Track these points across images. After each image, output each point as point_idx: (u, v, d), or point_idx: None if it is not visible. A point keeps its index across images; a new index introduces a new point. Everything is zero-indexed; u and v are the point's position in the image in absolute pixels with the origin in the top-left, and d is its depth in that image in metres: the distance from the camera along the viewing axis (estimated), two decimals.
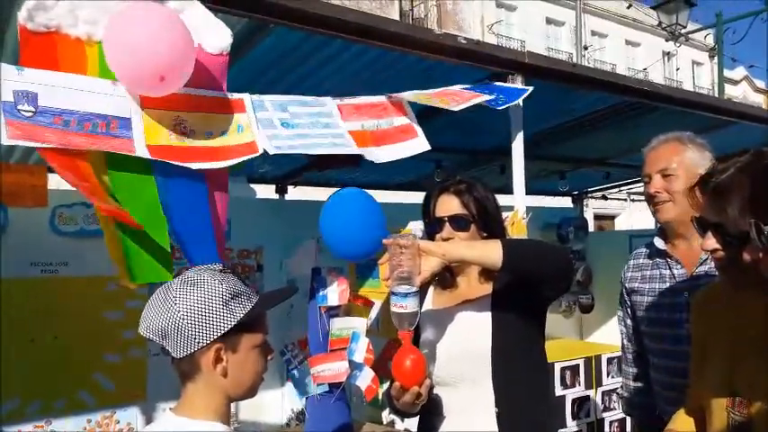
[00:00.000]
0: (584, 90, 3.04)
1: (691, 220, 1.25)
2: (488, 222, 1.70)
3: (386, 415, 3.59)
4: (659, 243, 2.01)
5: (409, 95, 2.28)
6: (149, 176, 1.78)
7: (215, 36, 1.86)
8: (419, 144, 2.22)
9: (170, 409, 1.26)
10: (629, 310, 2.12)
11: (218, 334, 1.20)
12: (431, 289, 1.82)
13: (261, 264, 4.16)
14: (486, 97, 2.39)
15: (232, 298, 1.22)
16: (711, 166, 1.24)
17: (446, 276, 1.76)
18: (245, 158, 1.91)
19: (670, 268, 1.96)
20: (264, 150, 1.91)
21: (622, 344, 2.19)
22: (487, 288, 1.69)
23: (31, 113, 1.61)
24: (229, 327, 1.20)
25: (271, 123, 1.99)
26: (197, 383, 1.23)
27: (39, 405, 3.20)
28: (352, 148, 2.05)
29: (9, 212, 3.15)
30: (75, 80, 1.70)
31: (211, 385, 1.22)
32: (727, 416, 1.26)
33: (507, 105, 2.46)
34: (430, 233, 1.75)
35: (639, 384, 2.13)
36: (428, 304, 1.79)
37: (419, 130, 2.24)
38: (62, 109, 1.65)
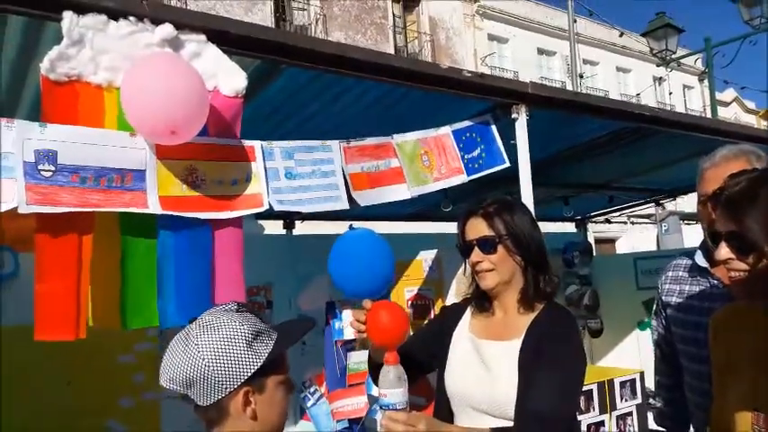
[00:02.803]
0: (586, 117, 3.09)
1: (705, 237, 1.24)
2: (521, 244, 1.63)
3: None
4: (701, 261, 1.90)
5: (410, 141, 2.44)
6: (152, 227, 1.82)
7: (230, 78, 1.91)
8: (402, 191, 2.40)
9: None
10: (663, 320, 2.05)
11: (246, 377, 1.16)
12: (468, 310, 1.76)
13: (270, 300, 4.15)
14: (462, 178, 2.60)
15: (254, 338, 1.19)
16: (724, 182, 1.26)
17: (483, 302, 1.70)
18: (251, 212, 1.96)
19: (711, 287, 1.86)
20: (270, 205, 1.98)
21: (655, 353, 2.13)
22: (525, 321, 1.62)
23: (50, 173, 1.61)
24: (256, 368, 1.17)
25: (276, 174, 2.06)
26: (225, 429, 1.18)
27: None
28: (342, 202, 2.20)
29: (19, 258, 3.16)
30: (93, 134, 1.71)
31: (241, 429, 1.18)
32: None
33: (478, 175, 2.65)
34: (463, 257, 1.71)
35: (671, 395, 2.07)
36: (464, 326, 1.73)
37: (407, 176, 2.40)
38: (79, 165, 1.66)
